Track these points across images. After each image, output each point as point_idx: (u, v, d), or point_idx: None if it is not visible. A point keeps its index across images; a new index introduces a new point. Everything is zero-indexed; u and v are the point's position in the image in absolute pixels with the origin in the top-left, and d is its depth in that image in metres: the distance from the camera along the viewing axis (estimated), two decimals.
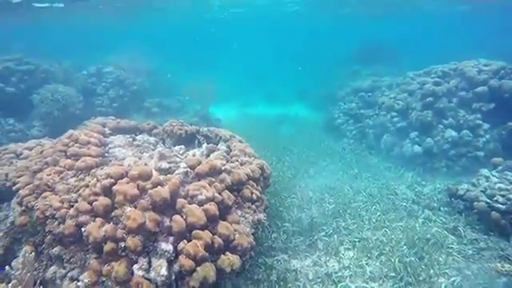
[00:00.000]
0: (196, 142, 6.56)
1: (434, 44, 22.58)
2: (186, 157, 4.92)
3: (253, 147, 10.51)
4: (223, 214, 3.95)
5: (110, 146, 5.14)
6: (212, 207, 3.71)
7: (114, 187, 3.53)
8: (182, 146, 5.77)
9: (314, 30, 32.93)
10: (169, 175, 3.98)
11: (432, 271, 5.18)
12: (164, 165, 4.39)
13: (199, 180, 4.14)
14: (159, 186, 3.62)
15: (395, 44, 19.28)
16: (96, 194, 3.46)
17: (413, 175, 9.17)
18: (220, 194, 3.97)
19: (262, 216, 4.35)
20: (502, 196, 6.11)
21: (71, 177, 3.81)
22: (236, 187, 4.31)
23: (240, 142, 6.50)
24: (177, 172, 4.34)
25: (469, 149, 8.76)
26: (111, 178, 3.62)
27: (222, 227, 3.69)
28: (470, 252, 5.71)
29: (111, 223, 3.36)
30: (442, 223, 6.70)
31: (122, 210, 3.40)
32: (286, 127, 15.09)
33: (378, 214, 7.05)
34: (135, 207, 3.46)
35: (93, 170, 3.81)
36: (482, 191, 6.64)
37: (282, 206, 7.24)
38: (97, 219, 3.32)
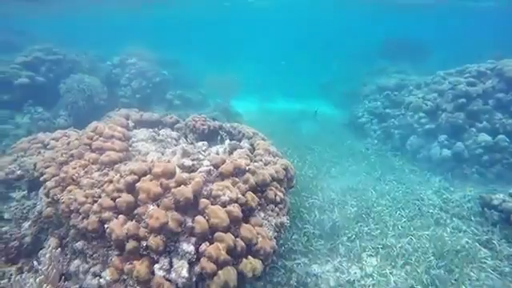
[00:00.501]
0: (219, 137, 6.46)
1: (466, 42, 21.41)
2: (208, 154, 4.81)
3: (274, 145, 10.42)
4: (246, 215, 3.82)
5: (133, 139, 5.11)
6: (235, 209, 3.59)
7: (138, 184, 3.47)
8: (205, 142, 5.67)
9: (340, 23, 32.09)
10: (192, 174, 3.88)
11: (463, 287, 4.88)
12: (187, 162, 4.30)
13: (223, 179, 4.03)
14: (182, 185, 3.53)
15: (423, 40, 18.41)
16: (119, 191, 3.41)
17: (440, 180, 8.76)
18: (244, 195, 3.84)
19: (284, 219, 4.20)
20: None
21: (95, 171, 3.78)
22: (260, 188, 4.17)
23: (263, 139, 6.35)
24: (200, 170, 4.24)
25: (504, 155, 8.25)
26: (135, 174, 3.56)
27: (245, 230, 3.57)
28: (507, 269, 5.34)
29: (134, 221, 3.30)
30: (473, 234, 6.33)
31: (144, 208, 3.33)
32: (307, 124, 14.78)
33: (403, 220, 6.76)
34: (158, 206, 3.38)
35: (116, 166, 3.76)
36: None
37: (302, 206, 7.07)
38: (119, 216, 3.27)
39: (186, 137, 6.32)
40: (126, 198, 3.34)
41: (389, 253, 5.76)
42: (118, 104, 12.85)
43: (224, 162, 4.14)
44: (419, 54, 16.95)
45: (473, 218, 6.87)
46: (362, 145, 11.48)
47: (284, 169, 4.69)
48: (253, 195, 3.92)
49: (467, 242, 6.07)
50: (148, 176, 3.58)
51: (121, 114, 6.31)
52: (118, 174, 3.61)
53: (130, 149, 4.75)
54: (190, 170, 4.30)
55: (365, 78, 15.50)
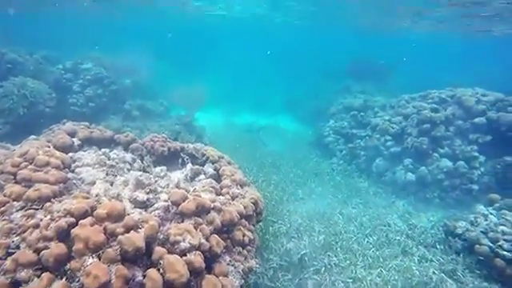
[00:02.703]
0: (180, 160, 5.82)
1: (423, 67, 22.82)
2: (167, 185, 4.18)
3: (239, 163, 9.90)
4: (210, 263, 3.26)
5: (77, 163, 4.32)
6: (197, 258, 3.01)
7: (74, 230, 2.76)
8: (164, 168, 5.02)
9: (306, 41, 32.83)
10: (145, 215, 3.24)
11: None
12: (141, 196, 3.65)
13: (183, 220, 3.43)
14: (132, 231, 2.88)
15: (386, 63, 19.24)
16: (47, 239, 2.67)
17: (404, 204, 8.82)
18: (208, 239, 3.27)
19: (253, 263, 3.69)
20: (507, 241, 5.74)
21: (17, 210, 2.98)
22: (226, 228, 3.63)
23: (229, 163, 5.82)
24: (156, 206, 3.61)
25: (463, 181, 8.49)
26: (71, 216, 2.85)
27: (208, 283, 2.99)
28: None
29: (64, 280, 2.58)
30: (439, 264, 6.27)
31: (80, 263, 2.63)
32: (273, 140, 14.51)
33: (372, 249, 6.56)
34: (99, 258, 2.70)
35: (48, 204, 3.01)
36: (482, 232, 6.26)
37: (268, 233, 6.61)
38: (43, 275, 2.53)
39: (142, 159, 5.60)
40: (55, 249, 2.62)
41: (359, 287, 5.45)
42: (68, 113, 11.63)
43: (185, 198, 3.54)
44: (382, 76, 17.60)
45: (438, 246, 6.85)
46: (327, 164, 11.37)
47: (253, 203, 4.20)
48: (218, 239, 3.36)
49: (434, 273, 5.98)
50: (89, 219, 2.88)
51: (66, 130, 5.45)
52: (49, 216, 2.87)
53: (72, 176, 3.96)
54: (144, 205, 3.65)
55: (331, 96, 15.67)
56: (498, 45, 22.63)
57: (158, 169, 4.97)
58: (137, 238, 2.82)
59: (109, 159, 4.61)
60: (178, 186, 4.18)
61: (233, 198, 4.16)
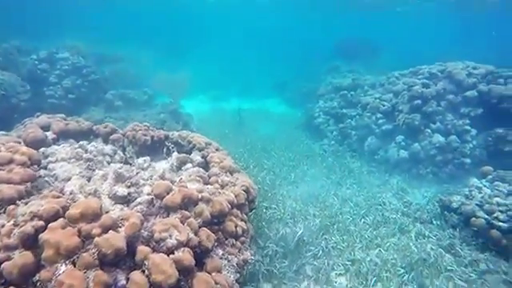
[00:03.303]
0: (164, 149, 5.49)
1: (412, 43, 22.57)
2: (150, 176, 3.86)
3: (229, 149, 9.58)
4: (201, 259, 3.00)
5: (50, 159, 3.95)
6: (186, 256, 2.74)
7: (42, 235, 2.44)
8: (147, 158, 4.69)
9: (293, 22, 32.07)
10: (126, 211, 2.93)
11: None
12: (121, 191, 3.33)
13: (169, 214, 3.14)
14: (111, 231, 2.58)
15: (375, 41, 18.92)
16: (9, 248, 2.35)
17: (398, 181, 8.73)
18: (197, 233, 3.00)
19: (248, 254, 3.46)
20: (502, 212, 5.67)
21: None
22: (217, 220, 3.36)
23: (217, 150, 5.52)
24: (139, 201, 3.31)
25: (455, 155, 8.40)
26: (39, 219, 2.52)
27: (200, 282, 2.74)
28: (473, 276, 5.21)
29: None
30: (437, 239, 6.22)
31: (51, 272, 2.33)
32: (262, 124, 14.22)
33: (369, 229, 6.44)
34: (74, 265, 2.40)
35: (11, 207, 2.66)
36: (477, 205, 6.20)
37: (262, 219, 6.40)
38: None
39: (124, 150, 5.25)
40: (19, 259, 2.30)
41: (359, 269, 5.33)
42: (45, 106, 11.01)
43: (170, 190, 3.24)
44: (370, 55, 17.31)
45: (434, 222, 6.80)
46: (319, 146, 11.18)
47: (245, 190, 3.93)
48: (208, 232, 3.09)
49: (432, 249, 5.92)
50: (60, 221, 2.56)
51: (39, 123, 5.03)
52: (12, 221, 2.54)
53: (44, 173, 3.61)
54: (126, 200, 3.34)
55: (320, 77, 15.36)
56: (488, 18, 22.51)
57: (140, 159, 4.63)
58: (116, 239, 2.53)
59: (86, 152, 4.24)
60: (162, 177, 3.86)
61: (222, 187, 3.88)
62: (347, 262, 5.50)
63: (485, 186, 6.91)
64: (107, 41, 19.66)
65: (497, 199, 6.01)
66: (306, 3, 22.11)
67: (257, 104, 18.02)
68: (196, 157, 5.15)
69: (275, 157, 10.02)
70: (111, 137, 5.30)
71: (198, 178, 3.76)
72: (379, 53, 18.37)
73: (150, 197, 3.34)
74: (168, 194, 3.24)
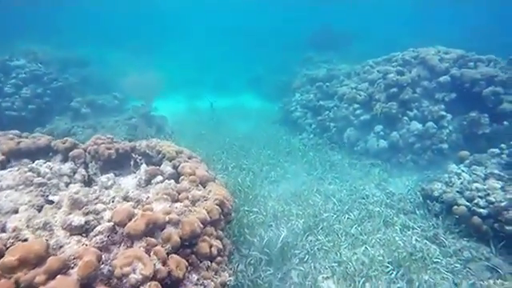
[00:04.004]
0: (132, 162, 5.07)
1: (382, 30, 22.68)
2: (113, 198, 3.46)
3: (206, 151, 9.18)
4: None
5: None
6: None
7: None
8: (111, 175, 4.27)
9: (263, 14, 31.63)
10: (79, 247, 2.56)
11: None
12: (77, 220, 2.94)
13: (132, 243, 2.79)
14: (60, 276, 2.21)
15: (346, 30, 18.86)
16: None
17: (379, 172, 8.67)
18: (165, 262, 2.67)
19: (226, 276, 3.16)
20: (481, 198, 5.66)
21: None
22: (188, 243, 3.04)
23: (189, 158, 5.16)
24: (99, 229, 2.93)
25: (433, 141, 8.42)
26: None
27: None
28: (458, 266, 5.17)
29: None
30: (421, 230, 6.16)
31: None
32: (238, 121, 13.87)
33: (354, 225, 6.30)
34: None
35: None
36: (458, 192, 6.18)
37: (244, 225, 6.11)
38: None
39: (86, 167, 4.79)
40: None
41: (346, 271, 5.16)
42: (3, 119, 10.21)
43: (132, 215, 2.88)
44: (343, 43, 17.24)
45: (417, 212, 6.75)
46: (298, 140, 10.97)
47: (219, 204, 3.61)
48: (178, 259, 2.77)
49: (417, 240, 5.86)
50: None
51: None
52: None
53: None
54: (83, 230, 2.95)
55: (294, 69, 15.14)
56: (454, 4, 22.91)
57: (103, 177, 4.21)
58: (66, 285, 2.16)
59: (38, 175, 3.78)
60: (126, 198, 3.48)
61: (194, 203, 3.55)
62: (334, 264, 5.33)
63: (463, 171, 6.93)
64: (71, 44, 18.64)
65: (476, 185, 6.00)
66: None
67: (232, 100, 17.62)
68: (166, 168, 4.78)
69: (254, 155, 9.74)
70: (71, 153, 4.82)
71: (165, 197, 3.41)
72: (352, 41, 18.35)
73: (112, 223, 2.97)
74: (130, 219, 2.88)
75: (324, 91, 11.29)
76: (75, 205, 3.19)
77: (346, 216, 6.67)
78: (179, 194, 3.62)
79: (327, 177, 8.50)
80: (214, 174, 5.26)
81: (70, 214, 3.11)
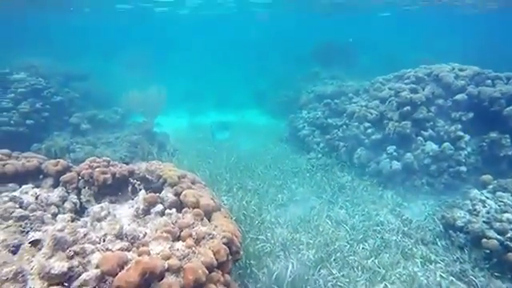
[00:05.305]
0: (130, 187, 4.61)
1: (389, 45, 22.51)
2: (104, 235, 2.99)
3: (210, 170, 8.70)
4: None
5: None
6: None
7: None
8: (105, 204, 3.80)
9: (268, 30, 31.73)
10: None
11: None
12: (58, 266, 2.46)
13: None
14: None
15: (353, 45, 18.68)
16: None
17: (392, 195, 8.15)
18: None
19: None
20: None
21: None
22: None
23: (193, 183, 4.70)
24: (85, 278, 2.44)
25: (450, 163, 7.93)
26: None
27: None
28: None
29: None
30: (445, 264, 5.60)
31: None
32: (242, 138, 13.45)
33: (370, 258, 5.75)
34: None
35: None
36: (485, 222, 5.64)
37: (250, 254, 5.58)
38: None
39: (78, 193, 4.33)
40: None
41: None
42: None
43: (124, 262, 2.40)
44: (349, 59, 17.00)
45: (438, 242, 6.20)
46: (306, 160, 10.49)
47: (226, 243, 3.13)
48: None
49: (442, 277, 5.30)
50: None
51: None
52: None
53: None
54: (66, 278, 2.46)
55: (300, 85, 14.83)
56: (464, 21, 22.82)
57: (96, 207, 3.73)
58: None
59: (20, 207, 3.33)
60: (119, 236, 3.01)
61: (198, 242, 3.06)
62: None
63: (487, 197, 6.41)
64: (72, 57, 18.53)
65: (507, 215, 5.47)
66: (281, 7, 21.72)
67: (237, 116, 17.28)
68: (168, 194, 4.30)
69: (260, 175, 9.26)
70: (62, 177, 4.36)
71: (165, 235, 2.93)
72: (358, 57, 18.13)
73: (100, 270, 2.49)
74: (122, 267, 2.40)
75: (332, 108, 10.91)
76: (59, 245, 2.71)
77: (361, 246, 6.14)
78: (181, 230, 3.14)
79: (337, 200, 7.99)
80: (219, 201, 4.79)
81: (51, 257, 2.63)
